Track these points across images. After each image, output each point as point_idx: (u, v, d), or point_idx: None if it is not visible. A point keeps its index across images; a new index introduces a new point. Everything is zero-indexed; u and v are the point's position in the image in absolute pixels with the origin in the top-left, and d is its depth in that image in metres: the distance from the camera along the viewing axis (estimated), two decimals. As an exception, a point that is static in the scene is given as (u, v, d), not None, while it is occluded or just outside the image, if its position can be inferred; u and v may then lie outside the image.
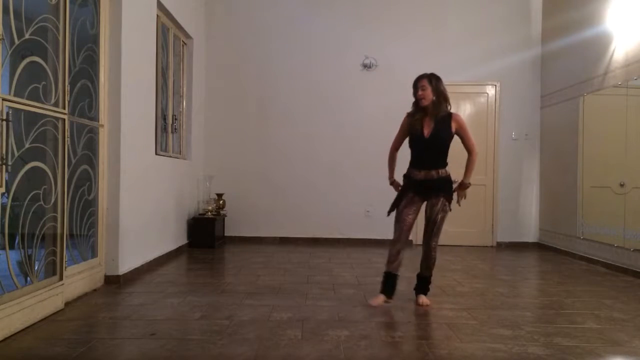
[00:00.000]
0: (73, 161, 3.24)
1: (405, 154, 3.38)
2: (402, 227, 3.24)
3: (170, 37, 5.14)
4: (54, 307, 2.86)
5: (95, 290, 3.47)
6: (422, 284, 3.37)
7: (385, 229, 6.15)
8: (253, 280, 3.91)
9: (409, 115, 3.33)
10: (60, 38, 3.00)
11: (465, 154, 3.32)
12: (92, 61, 3.50)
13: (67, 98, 3.05)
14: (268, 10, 6.22)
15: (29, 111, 2.68)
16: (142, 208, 4.12)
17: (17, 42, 2.59)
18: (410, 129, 3.29)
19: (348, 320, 2.85)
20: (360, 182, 6.11)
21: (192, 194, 5.69)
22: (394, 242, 3.27)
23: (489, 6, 6.17)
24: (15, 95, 2.57)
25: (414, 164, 3.30)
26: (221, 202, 5.84)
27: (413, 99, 3.30)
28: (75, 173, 3.30)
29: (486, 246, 6.13)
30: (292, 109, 6.20)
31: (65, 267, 3.01)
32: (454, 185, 3.31)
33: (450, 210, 3.28)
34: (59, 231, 2.96)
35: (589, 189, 5.09)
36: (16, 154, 2.59)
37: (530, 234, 6.19)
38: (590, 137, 5.08)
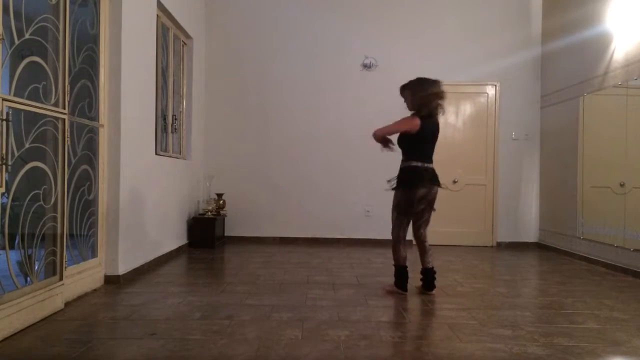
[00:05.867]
0: (73, 161, 3.24)
1: (398, 153, 3.41)
2: None
3: (170, 37, 5.14)
4: (53, 307, 2.86)
5: (95, 290, 3.47)
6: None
7: (385, 229, 6.16)
8: (253, 280, 3.91)
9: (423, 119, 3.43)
10: (60, 38, 3.00)
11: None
12: (92, 61, 3.50)
13: (67, 98, 3.05)
14: (268, 11, 6.21)
15: (29, 111, 2.68)
16: (142, 208, 4.12)
17: (17, 42, 2.59)
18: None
19: (348, 320, 2.85)
20: (360, 182, 6.10)
21: (192, 194, 5.69)
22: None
23: (489, 6, 6.17)
24: (15, 95, 2.57)
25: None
26: (221, 202, 5.84)
27: (422, 99, 3.37)
28: (75, 173, 3.30)
29: (486, 246, 6.13)
30: (292, 108, 6.20)
31: (65, 267, 3.01)
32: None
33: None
34: (59, 231, 2.95)
35: (589, 189, 5.08)
36: (16, 154, 2.59)
37: (530, 234, 6.19)
38: (590, 137, 5.08)
